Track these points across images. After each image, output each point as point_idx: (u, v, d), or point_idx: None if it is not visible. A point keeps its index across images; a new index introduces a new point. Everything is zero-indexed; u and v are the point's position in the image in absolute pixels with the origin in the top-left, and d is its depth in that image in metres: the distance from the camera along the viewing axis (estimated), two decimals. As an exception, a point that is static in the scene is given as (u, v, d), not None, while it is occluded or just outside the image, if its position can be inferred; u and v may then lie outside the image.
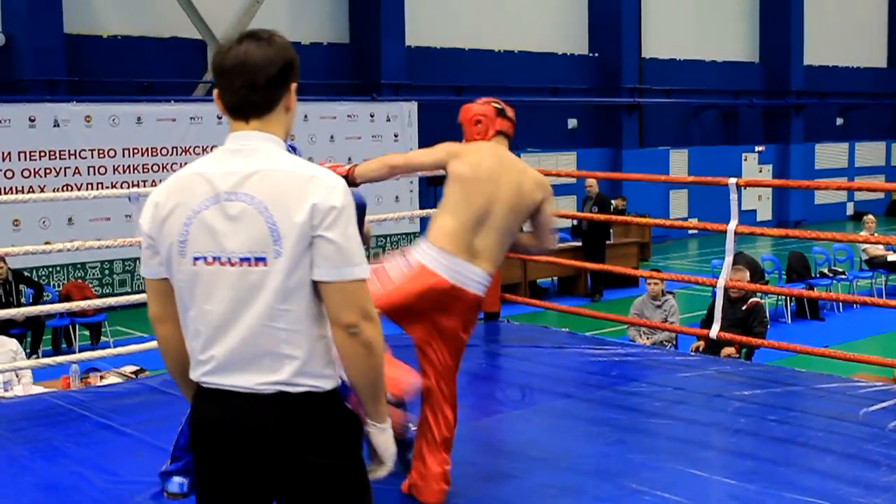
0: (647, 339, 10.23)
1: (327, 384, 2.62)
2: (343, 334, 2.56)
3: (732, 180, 6.93)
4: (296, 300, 2.55)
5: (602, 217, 14.72)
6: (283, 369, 2.57)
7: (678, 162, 24.89)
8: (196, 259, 2.58)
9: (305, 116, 17.32)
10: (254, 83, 2.60)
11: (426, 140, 18.73)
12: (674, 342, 10.31)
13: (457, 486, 4.76)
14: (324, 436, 2.61)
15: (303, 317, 2.57)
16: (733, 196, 6.92)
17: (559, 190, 21.30)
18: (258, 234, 2.53)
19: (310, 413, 2.60)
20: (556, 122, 22.79)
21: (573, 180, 20.61)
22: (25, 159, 14.71)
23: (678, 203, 24.68)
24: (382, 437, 2.74)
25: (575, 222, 17.17)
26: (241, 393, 2.60)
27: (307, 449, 2.59)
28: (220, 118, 16.34)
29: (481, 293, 4.43)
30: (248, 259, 2.55)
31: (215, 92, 2.67)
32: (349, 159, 17.70)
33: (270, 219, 2.52)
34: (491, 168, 4.50)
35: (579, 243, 16.40)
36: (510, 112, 4.83)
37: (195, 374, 2.70)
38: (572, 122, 23.19)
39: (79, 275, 15.20)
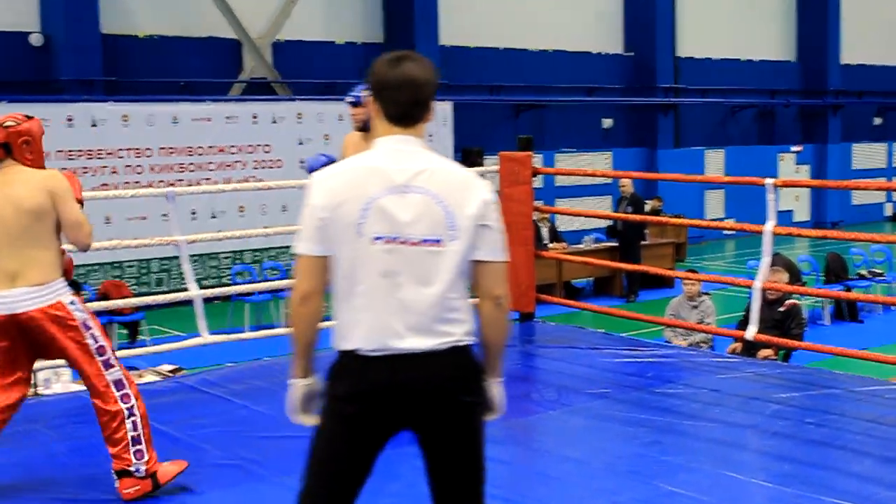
0: (684, 340, 10.17)
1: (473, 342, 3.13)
2: (491, 304, 3.16)
3: (769, 181, 6.87)
4: (461, 275, 3.07)
5: (637, 217, 14.66)
6: (454, 331, 3.05)
7: (714, 162, 24.75)
8: (376, 239, 3.00)
9: (340, 116, 17.30)
10: (418, 98, 3.14)
11: (461, 140, 18.74)
12: (710, 343, 10.24)
13: (492, 486, 4.76)
14: (476, 381, 3.14)
15: (462, 288, 3.09)
16: (770, 196, 6.86)
17: (594, 190, 21.28)
18: (435, 219, 3.02)
19: (468, 364, 3.10)
20: (591, 122, 22.72)
21: (608, 180, 20.56)
22: (63, 159, 14.82)
23: (714, 203, 24.55)
24: (498, 390, 3.29)
25: (610, 222, 17.11)
26: (416, 354, 3.02)
27: (465, 391, 3.08)
28: (255, 118, 16.43)
29: (44, 305, 4.53)
30: (426, 240, 3.02)
31: (369, 99, 3.17)
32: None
33: (446, 208, 3.03)
34: None
35: (615, 244, 16.34)
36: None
37: (352, 345, 3.05)
38: (607, 122, 23.11)
39: (116, 273, 15.31)
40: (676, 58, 24.13)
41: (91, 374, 4.61)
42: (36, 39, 15.66)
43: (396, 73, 3.11)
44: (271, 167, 16.71)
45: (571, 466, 5.01)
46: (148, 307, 12.10)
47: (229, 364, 8.07)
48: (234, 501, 4.66)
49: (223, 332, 9.05)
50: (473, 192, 3.08)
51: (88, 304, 10.73)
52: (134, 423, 4.63)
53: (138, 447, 4.65)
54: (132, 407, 4.64)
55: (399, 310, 3.01)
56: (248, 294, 13.60)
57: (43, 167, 4.75)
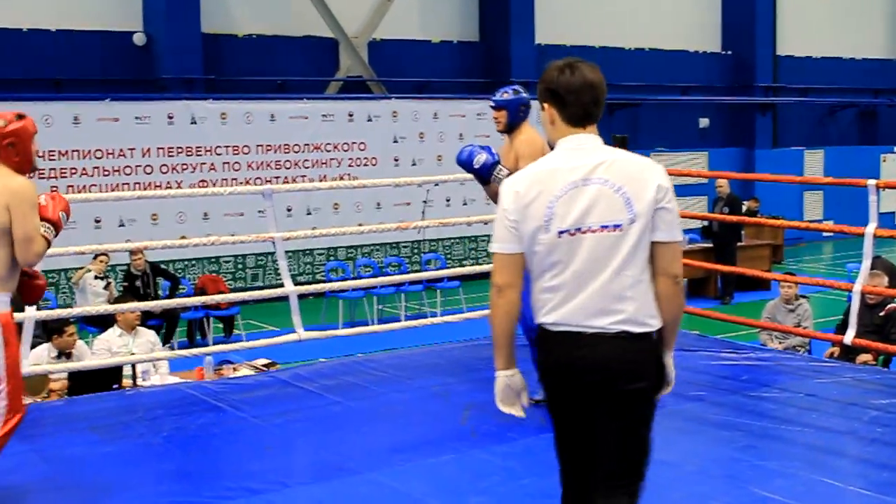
0: (780, 343, 10.01)
1: (654, 325, 3.29)
2: (669, 282, 3.31)
3: (871, 182, 6.73)
4: (640, 256, 3.25)
5: (733, 218, 14.45)
6: (626, 311, 3.23)
7: (813, 162, 24.28)
8: (560, 233, 3.25)
9: (435, 114, 17.41)
10: (597, 100, 3.43)
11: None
12: (807, 347, 10.06)
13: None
14: (648, 365, 3.30)
15: (640, 269, 3.26)
16: (872, 198, 6.72)
17: (689, 190, 21.01)
18: (615, 206, 3.23)
19: (642, 347, 3.27)
20: (687, 122, 22.47)
21: (704, 181, 20.28)
22: (164, 155, 15.12)
23: (813, 205, 24.08)
24: (671, 362, 3.45)
25: (705, 223, 16.90)
26: (591, 333, 3.25)
27: (636, 377, 3.26)
28: (350, 116, 16.58)
29: None
30: (606, 226, 3.24)
31: (546, 103, 3.46)
32: (477, 157, 17.72)
33: (625, 195, 3.24)
34: None
35: (710, 244, 16.15)
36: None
37: (544, 321, 3.33)
38: (704, 122, 22.82)
39: (213, 268, 15.56)
40: (776, 56, 23.73)
41: None
42: (139, 39, 15.99)
43: (576, 78, 3.40)
44: (366, 165, 16.82)
45: (664, 469, 4.95)
46: (244, 302, 12.27)
47: (322, 360, 8.15)
48: (324, 496, 4.70)
49: (317, 328, 9.14)
50: (650, 178, 3.29)
51: (185, 300, 10.94)
52: None
53: None
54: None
55: (582, 291, 3.26)
56: (342, 291, 13.71)
57: (28, 170, 4.70)
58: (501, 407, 3.44)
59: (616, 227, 3.24)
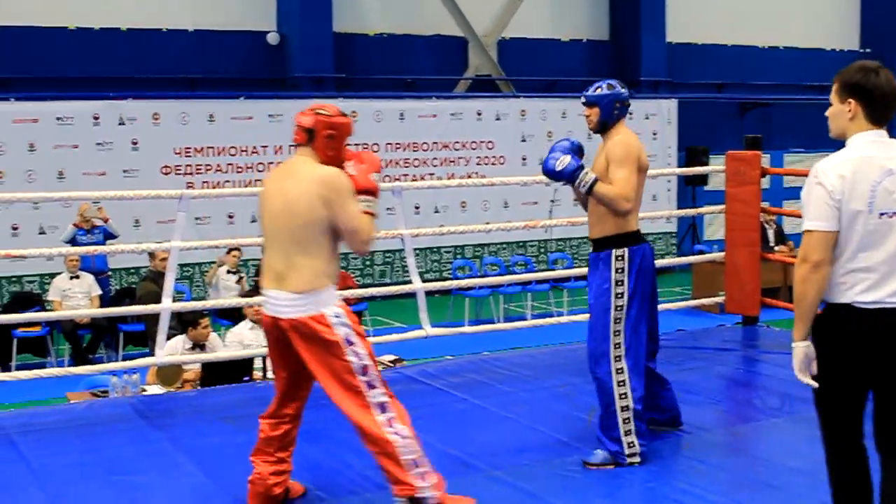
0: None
1: None
2: None
3: None
4: None
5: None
6: None
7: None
8: (881, 214, 3.62)
9: (563, 113, 17.31)
10: (893, 104, 3.77)
11: (685, 138, 18.42)
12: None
13: (713, 493, 4.67)
14: None
15: None
16: None
17: (824, 191, 20.51)
18: None
19: None
20: (823, 122, 21.70)
21: (839, 182, 19.78)
22: (294, 152, 15.36)
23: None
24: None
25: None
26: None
27: None
28: (479, 114, 16.61)
29: (300, 315, 4.31)
30: None
31: (851, 99, 3.82)
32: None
33: None
34: (270, 184, 4.59)
35: (844, 247, 15.73)
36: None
37: (858, 300, 3.66)
38: (840, 122, 22.22)
39: (342, 264, 15.65)
40: (919, 53, 23.00)
41: (349, 398, 4.28)
42: (272, 38, 16.29)
43: (885, 82, 3.79)
44: (494, 164, 16.85)
45: (795, 477, 4.86)
46: (371, 298, 12.39)
47: (448, 357, 8.19)
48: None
49: (443, 325, 9.19)
50: None
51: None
52: (406, 445, 4.28)
53: (419, 469, 4.31)
54: (398, 430, 4.28)
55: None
56: (469, 289, 13.77)
57: (340, 167, 4.48)
58: (799, 375, 3.78)
59: None
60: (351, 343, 4.26)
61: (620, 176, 5.17)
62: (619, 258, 5.17)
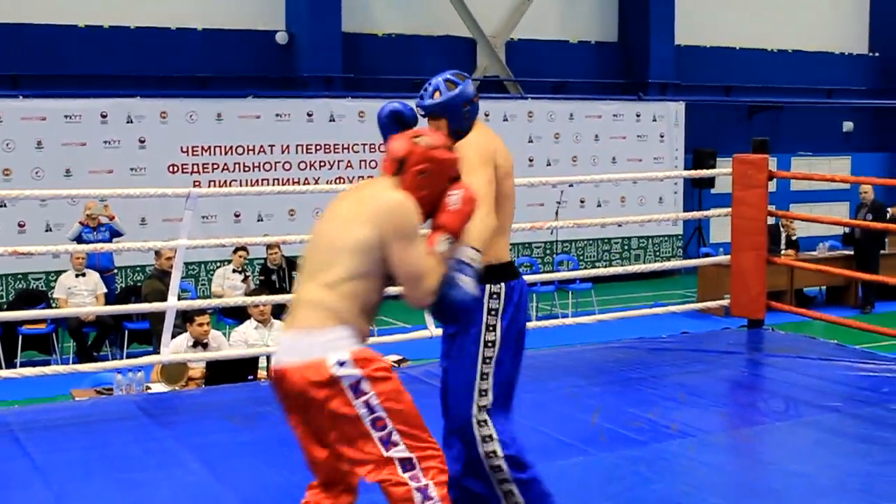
0: (923, 355, 9.68)
1: None
2: None
3: None
4: None
5: (879, 225, 14.03)
6: None
7: (963, 169, 23.39)
8: None
9: (571, 115, 17.34)
10: None
11: (693, 141, 18.40)
12: (952, 360, 9.72)
13: (715, 496, 4.67)
14: None
15: None
16: None
17: (831, 196, 20.48)
18: None
19: None
20: (830, 125, 21.87)
21: (846, 186, 19.74)
22: (302, 152, 15.40)
23: (962, 213, 23.20)
24: None
25: (846, 230, 16.44)
26: None
27: None
28: (487, 115, 16.62)
29: (298, 362, 3.38)
30: None
31: None
32: (613, 159, 17.64)
33: None
34: (332, 206, 3.70)
35: (850, 252, 15.71)
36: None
37: None
38: (848, 125, 22.18)
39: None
40: (926, 59, 22.95)
41: (365, 457, 3.42)
42: (281, 38, 16.31)
43: None
44: (500, 165, 16.84)
45: (798, 481, 4.85)
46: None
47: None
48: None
49: (448, 325, 9.16)
50: None
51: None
52: None
53: None
54: (426, 488, 3.39)
55: None
56: (474, 289, 13.74)
57: (426, 217, 3.58)
58: None
59: None
60: (359, 391, 3.38)
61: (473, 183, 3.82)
62: (494, 296, 4.02)
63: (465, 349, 4.00)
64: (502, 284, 4.00)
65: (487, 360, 3.98)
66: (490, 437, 3.97)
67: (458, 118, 4.10)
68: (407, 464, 3.40)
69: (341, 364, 3.35)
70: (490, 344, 3.98)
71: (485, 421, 3.99)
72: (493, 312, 3.98)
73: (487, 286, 3.95)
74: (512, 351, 4.04)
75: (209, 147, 14.78)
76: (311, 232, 3.69)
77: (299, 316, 3.44)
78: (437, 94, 4.14)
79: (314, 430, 3.50)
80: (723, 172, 9.37)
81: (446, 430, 4.13)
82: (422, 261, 3.46)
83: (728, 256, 8.33)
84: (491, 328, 3.98)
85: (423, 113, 4.20)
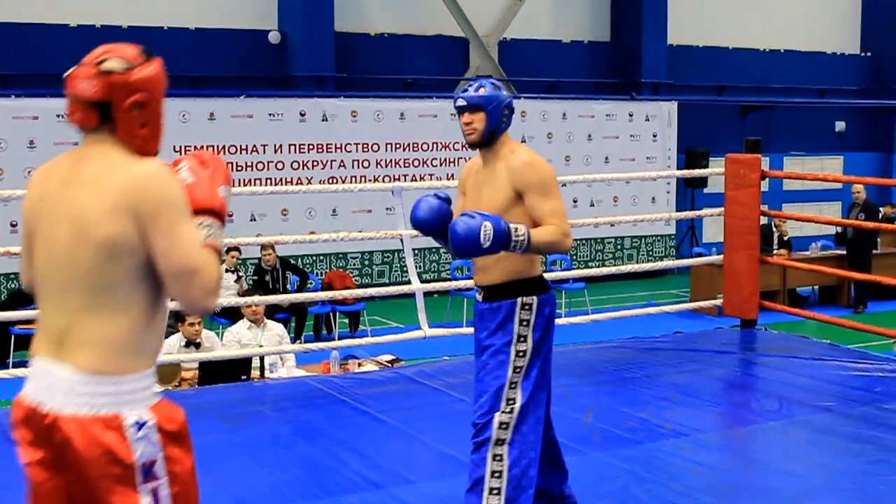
0: (915, 355, 9.71)
1: None
2: None
3: None
4: None
5: (871, 225, 14.07)
6: None
7: (955, 169, 23.45)
8: None
9: (564, 115, 17.35)
10: None
11: (685, 141, 18.42)
12: (944, 360, 9.74)
13: (707, 495, 4.67)
14: None
15: None
16: None
17: (823, 196, 20.53)
18: None
19: None
20: (822, 125, 21.91)
21: (838, 185, 19.78)
22: (295, 152, 15.39)
23: (954, 212, 23.25)
24: None
25: (839, 230, 16.48)
26: None
27: None
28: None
29: (84, 413, 2.57)
30: None
31: None
32: (606, 159, 17.65)
33: None
34: (40, 191, 2.84)
35: (842, 251, 15.75)
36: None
37: None
38: (840, 125, 22.23)
39: (340, 264, 15.77)
40: (918, 59, 23.00)
41: None
42: (274, 37, 16.29)
43: None
44: (493, 164, 16.84)
45: (790, 481, 4.86)
46: (370, 298, 12.39)
47: (446, 357, 8.19)
48: (447, 492, 4.73)
49: (442, 325, 9.18)
50: None
51: (312, 294, 11.10)
52: None
53: None
54: None
55: None
56: (468, 289, 13.75)
57: (155, 151, 2.71)
58: None
59: None
60: (149, 475, 2.69)
61: (549, 209, 4.02)
62: (526, 307, 4.07)
63: (496, 356, 4.07)
64: (534, 297, 4.08)
65: (517, 370, 4.05)
66: (503, 439, 4.09)
67: (496, 116, 4.19)
68: None
69: (141, 427, 2.66)
70: (521, 354, 4.06)
71: (503, 440, 4.08)
72: (524, 323, 4.06)
73: (519, 298, 4.05)
74: (540, 364, 4.14)
75: (201, 147, 14.75)
76: (32, 236, 2.95)
77: (77, 347, 2.61)
78: (482, 89, 4.21)
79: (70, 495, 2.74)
80: (715, 172, 9.37)
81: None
82: (193, 248, 2.58)
83: (721, 256, 8.34)
84: (522, 339, 4.06)
85: (463, 104, 4.19)
